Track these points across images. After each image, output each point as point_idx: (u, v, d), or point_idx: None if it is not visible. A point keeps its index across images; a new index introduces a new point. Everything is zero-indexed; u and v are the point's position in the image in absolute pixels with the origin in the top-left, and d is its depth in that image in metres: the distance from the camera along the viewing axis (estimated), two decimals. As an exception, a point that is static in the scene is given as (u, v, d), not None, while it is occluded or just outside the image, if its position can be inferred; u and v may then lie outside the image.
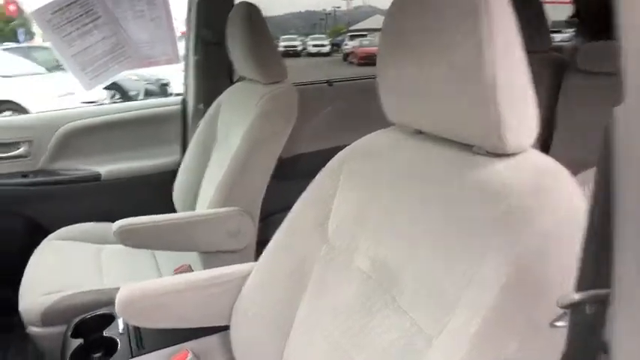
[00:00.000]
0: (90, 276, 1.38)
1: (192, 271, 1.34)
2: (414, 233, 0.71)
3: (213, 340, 1.06)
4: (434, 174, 0.72)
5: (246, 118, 1.37)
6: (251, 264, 1.02)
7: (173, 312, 0.94)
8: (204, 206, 1.43)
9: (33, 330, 1.25)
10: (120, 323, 1.13)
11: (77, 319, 1.16)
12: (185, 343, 1.04)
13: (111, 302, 1.22)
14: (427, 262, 0.66)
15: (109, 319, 1.16)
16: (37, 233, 1.63)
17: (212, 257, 1.36)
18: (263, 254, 0.97)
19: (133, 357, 1.01)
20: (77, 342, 1.08)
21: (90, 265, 1.44)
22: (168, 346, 1.04)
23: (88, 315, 1.18)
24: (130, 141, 1.87)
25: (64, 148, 1.76)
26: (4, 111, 5.26)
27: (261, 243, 1.37)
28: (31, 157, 1.73)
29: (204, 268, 1.39)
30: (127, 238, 1.22)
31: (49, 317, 1.23)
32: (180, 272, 1.33)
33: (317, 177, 0.93)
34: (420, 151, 0.77)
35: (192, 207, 1.59)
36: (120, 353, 1.03)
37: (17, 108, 5.30)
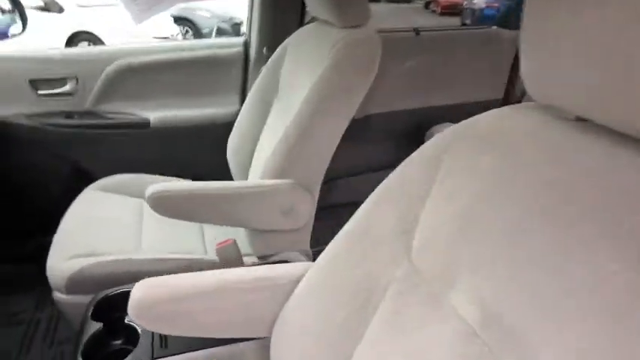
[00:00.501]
0: (126, 239, 1.21)
1: (237, 249, 1.13)
2: (564, 283, 0.43)
3: (247, 347, 0.86)
4: (616, 184, 0.43)
5: (314, 68, 1.10)
6: (304, 265, 0.79)
7: (200, 319, 0.73)
8: (257, 173, 1.20)
9: (57, 295, 1.11)
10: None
11: (101, 296, 0.99)
12: (214, 349, 0.85)
13: (143, 276, 1.06)
14: (596, 344, 0.39)
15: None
16: (81, 180, 1.50)
17: (260, 236, 1.15)
18: (322, 255, 0.73)
19: (154, 359, 0.83)
20: (96, 326, 0.92)
21: (128, 225, 1.27)
22: (195, 350, 0.85)
23: (113, 291, 1.01)
24: (184, 85, 1.65)
25: (112, 89, 1.58)
26: (81, 42, 5.29)
27: (319, 210, 1.14)
28: (77, 96, 1.56)
29: (252, 248, 1.18)
30: (161, 207, 1.02)
31: (74, 285, 1.09)
32: (224, 248, 1.14)
33: (404, 166, 0.67)
34: (589, 147, 0.48)
35: (246, 171, 1.37)
36: (140, 350, 0.86)
37: (93, 39, 5.30)
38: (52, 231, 1.24)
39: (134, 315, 0.70)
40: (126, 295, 1.01)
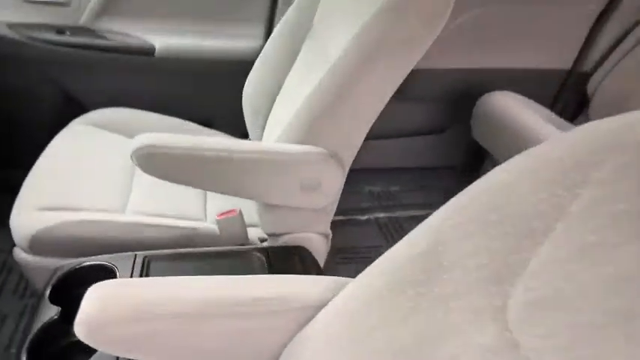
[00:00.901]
0: (111, 194, 1.00)
1: (242, 222, 0.92)
2: None
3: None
4: None
5: (363, 6, 0.83)
6: (329, 284, 0.57)
7: (175, 346, 0.53)
8: (274, 132, 0.96)
9: (18, 253, 0.91)
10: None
11: (63, 272, 0.79)
12: None
13: (123, 247, 0.85)
14: None
15: (109, 274, 0.79)
16: (69, 111, 1.27)
17: (272, 210, 0.92)
18: (362, 282, 0.51)
19: None
20: (53, 311, 0.73)
21: (116, 177, 1.05)
22: None
23: (81, 263, 0.81)
24: (200, 7, 1.38)
25: (114, 2, 1.31)
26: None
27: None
28: (72, 8, 1.30)
29: (262, 224, 0.96)
30: (149, 166, 0.80)
31: (39, 245, 0.89)
32: (226, 219, 0.92)
33: (506, 173, 0.43)
34: None
35: (262, 127, 1.13)
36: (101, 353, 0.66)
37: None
38: (27, 167, 1.03)
39: (82, 335, 0.49)
40: (99, 269, 0.82)
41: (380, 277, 0.48)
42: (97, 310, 0.48)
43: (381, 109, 0.86)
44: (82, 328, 0.48)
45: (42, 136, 1.14)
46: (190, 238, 0.95)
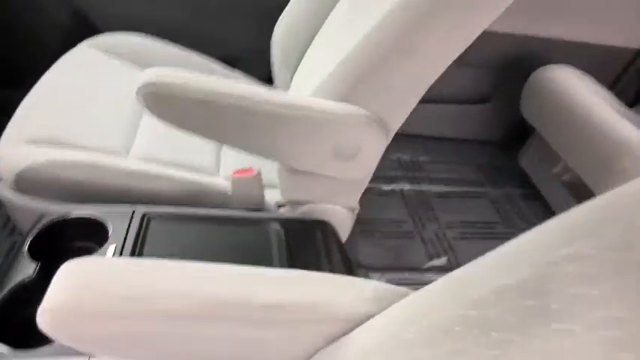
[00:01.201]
0: (113, 133, 0.87)
1: (260, 184, 0.79)
2: None
3: None
4: None
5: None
6: (368, 292, 0.44)
7: (164, 350, 0.41)
8: (307, 85, 0.81)
9: (2, 190, 0.80)
10: (110, 249, 0.64)
11: (47, 221, 0.68)
12: None
13: (121, 198, 0.74)
14: None
15: (100, 230, 0.68)
16: (82, 33, 1.13)
17: (296, 176, 0.79)
18: (414, 306, 0.39)
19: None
20: (31, 268, 0.62)
21: (122, 113, 0.92)
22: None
23: (67, 214, 0.69)
24: None
25: None
26: None
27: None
28: None
29: (282, 189, 0.83)
30: (157, 108, 0.66)
31: (24, 183, 0.77)
32: (242, 179, 0.79)
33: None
34: None
35: (292, 72, 0.98)
36: None
37: None
38: (28, 88, 0.91)
39: (46, 327, 0.37)
40: (88, 223, 0.70)
41: (449, 304, 0.35)
42: (67, 299, 0.36)
43: (440, 73, 0.71)
44: (45, 319, 0.36)
45: (46, 56, 1.01)
46: (198, 195, 0.83)
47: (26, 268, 0.61)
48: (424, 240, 1.33)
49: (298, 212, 0.84)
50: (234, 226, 0.75)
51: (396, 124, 0.73)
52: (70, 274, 0.38)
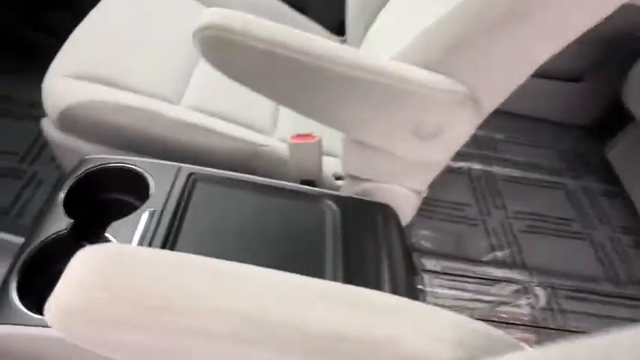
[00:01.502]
0: (165, 77, 0.79)
1: (319, 152, 0.70)
2: None
3: None
4: None
5: None
6: (454, 334, 0.34)
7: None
8: (388, 43, 0.68)
9: (45, 125, 0.74)
10: (145, 216, 0.57)
11: (86, 168, 0.61)
12: None
13: (166, 149, 0.67)
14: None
15: (140, 185, 0.61)
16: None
17: (364, 153, 0.69)
18: None
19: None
20: (63, 222, 0.56)
21: (177, 55, 0.83)
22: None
23: (107, 162, 0.62)
24: None
25: None
26: None
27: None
28: None
29: (344, 161, 0.74)
30: (214, 54, 0.57)
31: (67, 121, 0.71)
32: (300, 145, 0.70)
33: None
34: None
35: (369, 23, 0.85)
36: None
37: None
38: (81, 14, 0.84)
39: (55, 326, 0.30)
40: (129, 176, 0.63)
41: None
42: (78, 299, 0.29)
43: (560, 48, 0.57)
44: (52, 315, 0.29)
45: None
46: (251, 156, 0.74)
47: (58, 224, 0.55)
48: (487, 228, 1.21)
49: (358, 189, 0.74)
50: (287, 199, 0.66)
51: (491, 105, 0.61)
52: (85, 267, 0.30)
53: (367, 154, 0.68)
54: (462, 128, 0.61)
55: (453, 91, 0.57)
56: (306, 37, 0.57)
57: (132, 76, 0.74)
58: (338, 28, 1.02)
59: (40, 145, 1.10)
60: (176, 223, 0.57)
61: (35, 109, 0.77)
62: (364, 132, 0.64)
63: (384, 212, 0.70)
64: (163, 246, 0.54)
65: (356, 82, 0.57)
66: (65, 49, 0.78)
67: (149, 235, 0.54)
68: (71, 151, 0.72)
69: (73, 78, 0.72)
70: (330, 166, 0.78)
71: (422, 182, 0.73)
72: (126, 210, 0.57)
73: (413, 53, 0.59)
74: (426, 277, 1.07)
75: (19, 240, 0.56)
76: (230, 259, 0.34)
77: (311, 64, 0.56)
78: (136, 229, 0.55)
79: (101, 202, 0.63)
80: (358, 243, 0.64)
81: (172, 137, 0.71)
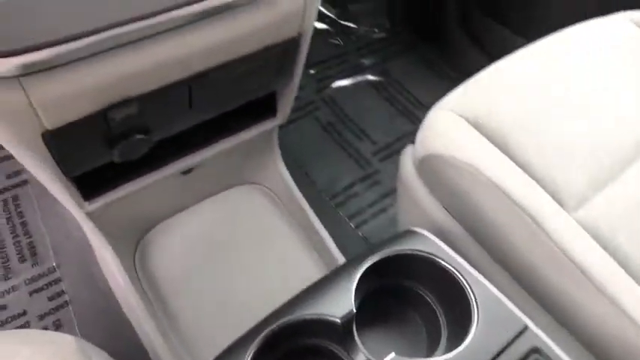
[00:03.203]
0: (587, 162, 0.52)
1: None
2: None
3: None
4: None
5: None
6: None
7: None
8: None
9: (404, 168, 0.61)
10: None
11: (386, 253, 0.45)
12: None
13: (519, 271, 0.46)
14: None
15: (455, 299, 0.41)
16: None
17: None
18: None
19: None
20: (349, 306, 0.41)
21: (620, 135, 0.54)
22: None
23: (422, 252, 0.44)
24: None
25: None
26: None
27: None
28: None
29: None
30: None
31: (424, 170, 0.55)
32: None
33: None
34: None
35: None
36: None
37: None
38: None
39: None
40: (448, 282, 0.41)
41: None
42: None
43: None
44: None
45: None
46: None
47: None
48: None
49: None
50: None
51: None
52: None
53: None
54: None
55: None
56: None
57: (539, 151, 0.50)
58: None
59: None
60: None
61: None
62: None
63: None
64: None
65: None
66: (479, 77, 0.59)
67: None
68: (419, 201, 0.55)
69: (460, 117, 0.53)
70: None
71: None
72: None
73: None
74: None
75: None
76: None
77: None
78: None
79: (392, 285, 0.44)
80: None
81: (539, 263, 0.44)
